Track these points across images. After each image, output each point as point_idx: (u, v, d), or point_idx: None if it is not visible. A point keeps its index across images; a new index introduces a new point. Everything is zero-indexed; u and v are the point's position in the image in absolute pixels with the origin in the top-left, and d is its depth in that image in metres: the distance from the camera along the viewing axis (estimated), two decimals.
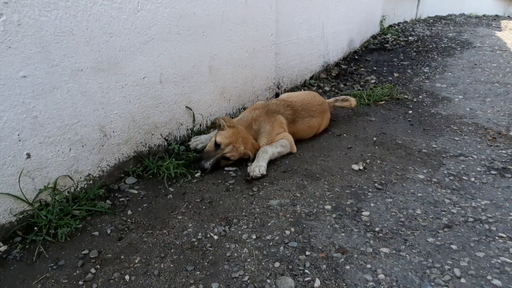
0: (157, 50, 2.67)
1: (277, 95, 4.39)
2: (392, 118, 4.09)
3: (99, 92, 2.34)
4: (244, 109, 3.81)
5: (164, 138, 2.93)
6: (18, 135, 1.98)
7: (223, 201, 2.46)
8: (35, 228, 2.06)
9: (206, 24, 3.07)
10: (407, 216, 2.30)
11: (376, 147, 3.36)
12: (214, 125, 3.01)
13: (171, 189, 2.58)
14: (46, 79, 2.04)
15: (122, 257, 1.95)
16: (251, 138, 2.97)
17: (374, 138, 3.54)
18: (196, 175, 2.77)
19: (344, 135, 3.63)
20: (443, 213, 2.33)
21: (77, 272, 1.85)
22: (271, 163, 2.96)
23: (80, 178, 2.36)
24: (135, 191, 2.53)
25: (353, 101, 3.87)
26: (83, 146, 2.32)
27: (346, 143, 3.43)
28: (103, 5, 2.24)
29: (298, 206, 2.42)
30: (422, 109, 4.36)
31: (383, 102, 4.63)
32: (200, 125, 3.30)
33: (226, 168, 2.89)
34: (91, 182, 2.42)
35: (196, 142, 3.09)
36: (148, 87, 2.67)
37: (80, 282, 1.78)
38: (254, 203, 2.44)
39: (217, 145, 2.83)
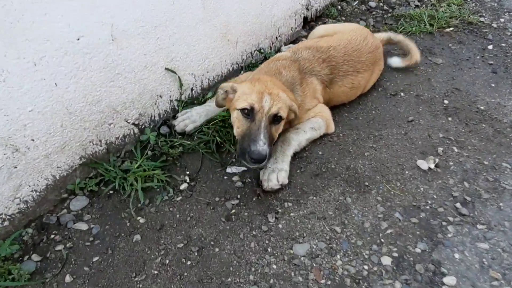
0: None
1: (305, 20, 3.13)
2: (465, 59, 2.88)
3: None
4: (259, 52, 2.64)
5: (133, 124, 1.90)
6: None
7: (219, 246, 1.57)
8: None
9: None
10: None
11: (449, 118, 2.30)
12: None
13: (141, 220, 1.66)
14: None
15: None
16: (284, 87, 1.88)
17: (445, 101, 2.44)
18: (182, 187, 1.80)
19: (401, 94, 2.51)
20: None
21: None
22: (295, 155, 1.97)
23: None
24: (84, 226, 1.62)
25: (416, 55, 2.64)
26: None
27: (405, 110, 2.36)
28: None
29: (338, 256, 1.53)
30: (506, 42, 3.08)
31: (452, 29, 3.31)
32: (192, 90, 2.21)
33: (229, 170, 1.91)
34: (7, 223, 1.51)
35: (185, 121, 2.04)
36: (90, 53, 1.55)
37: None
38: (269, 249, 1.55)
39: (245, 111, 1.72)
